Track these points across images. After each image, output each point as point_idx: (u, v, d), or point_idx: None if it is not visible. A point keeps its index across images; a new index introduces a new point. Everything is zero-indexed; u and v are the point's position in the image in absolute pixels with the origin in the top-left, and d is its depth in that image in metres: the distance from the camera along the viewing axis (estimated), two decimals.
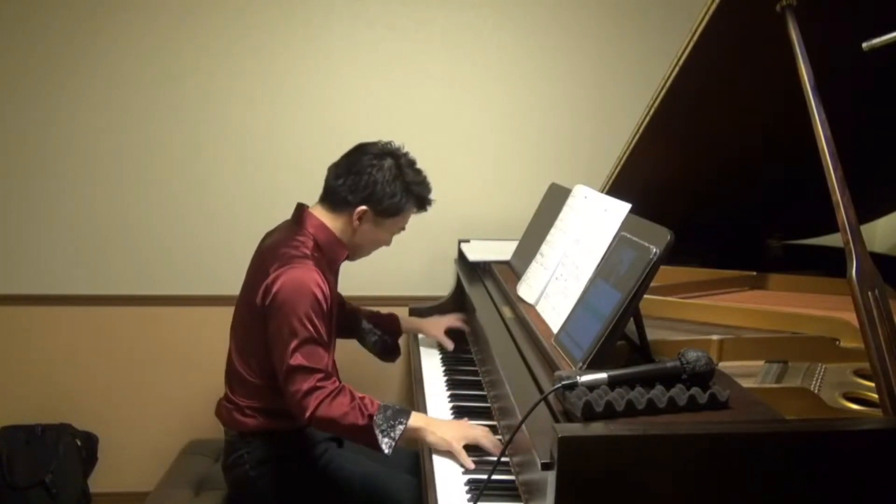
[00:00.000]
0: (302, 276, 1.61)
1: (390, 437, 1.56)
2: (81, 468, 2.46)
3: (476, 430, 1.55)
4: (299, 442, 1.78)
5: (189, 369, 2.56)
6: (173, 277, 2.55)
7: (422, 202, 1.80)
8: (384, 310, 2.21)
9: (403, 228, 1.84)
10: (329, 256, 1.75)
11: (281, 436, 1.76)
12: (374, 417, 1.57)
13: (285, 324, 1.59)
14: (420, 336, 2.30)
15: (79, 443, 2.47)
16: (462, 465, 1.49)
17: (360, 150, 1.77)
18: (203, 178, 2.51)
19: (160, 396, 2.60)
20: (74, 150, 2.45)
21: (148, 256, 2.53)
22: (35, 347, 2.54)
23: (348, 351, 2.12)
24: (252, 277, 1.74)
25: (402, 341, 2.22)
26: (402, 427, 1.57)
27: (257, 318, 1.66)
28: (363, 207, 1.72)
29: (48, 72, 2.40)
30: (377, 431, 1.56)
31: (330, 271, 1.75)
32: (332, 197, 1.75)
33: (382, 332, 2.15)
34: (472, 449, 1.52)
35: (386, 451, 1.56)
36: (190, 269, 2.54)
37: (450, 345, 2.15)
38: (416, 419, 1.59)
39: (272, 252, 1.71)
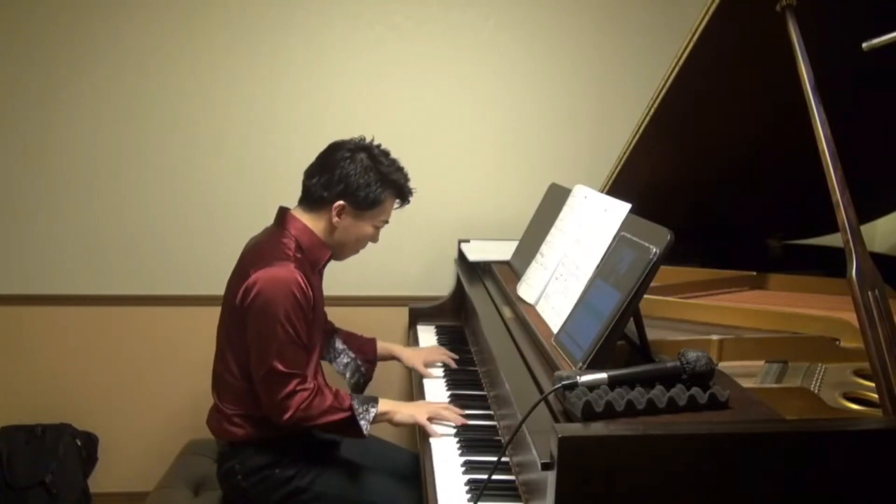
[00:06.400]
0: (282, 276, 1.61)
1: (366, 420, 1.70)
2: (81, 468, 2.46)
3: (437, 405, 1.71)
4: (291, 450, 1.75)
5: (189, 369, 2.56)
6: (173, 277, 2.55)
7: (401, 190, 1.77)
8: (380, 312, 2.20)
9: (387, 221, 1.81)
10: (311, 258, 1.73)
11: (271, 444, 1.73)
12: (354, 406, 1.68)
13: (264, 326, 1.60)
14: (420, 335, 2.29)
15: (79, 443, 2.47)
16: (428, 434, 1.62)
17: (333, 148, 1.76)
18: (203, 178, 2.50)
19: (160, 396, 2.60)
20: (74, 150, 2.45)
21: (148, 256, 2.53)
22: (35, 347, 2.54)
23: None
24: (234, 279, 1.73)
25: (401, 339, 2.21)
26: (374, 410, 1.70)
27: (237, 319, 1.67)
28: (340, 202, 1.70)
29: (48, 72, 2.39)
30: (359, 418, 1.68)
31: (313, 273, 1.73)
32: (309, 197, 1.74)
33: (356, 355, 2.07)
34: (472, 452, 1.53)
35: (364, 432, 1.69)
36: (190, 269, 2.54)
37: (428, 374, 2.01)
38: (384, 404, 1.73)
39: (253, 254, 1.71)
